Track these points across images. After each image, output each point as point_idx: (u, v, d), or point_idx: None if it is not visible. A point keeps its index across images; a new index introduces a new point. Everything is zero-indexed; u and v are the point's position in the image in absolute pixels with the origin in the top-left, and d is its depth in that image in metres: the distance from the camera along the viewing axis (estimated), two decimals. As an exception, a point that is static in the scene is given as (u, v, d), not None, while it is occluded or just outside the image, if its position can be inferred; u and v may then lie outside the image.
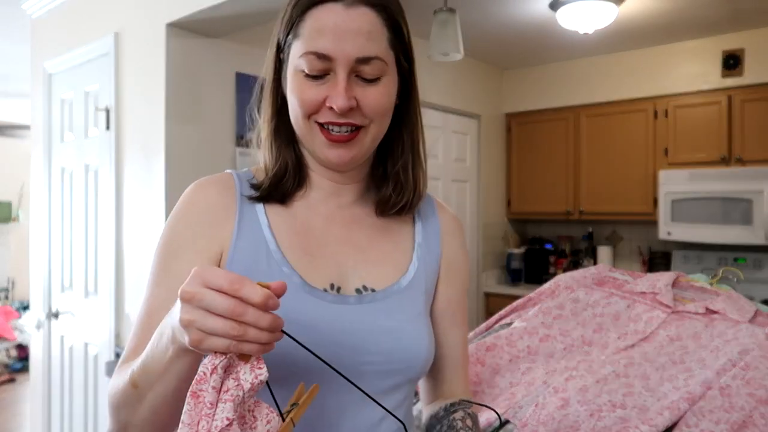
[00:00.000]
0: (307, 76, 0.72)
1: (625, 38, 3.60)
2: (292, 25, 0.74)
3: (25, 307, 5.68)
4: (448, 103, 3.84)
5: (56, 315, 2.92)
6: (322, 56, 0.71)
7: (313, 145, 0.76)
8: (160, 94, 2.33)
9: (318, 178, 0.82)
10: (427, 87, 3.58)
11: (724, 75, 3.49)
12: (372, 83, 0.73)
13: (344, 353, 0.72)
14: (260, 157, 0.82)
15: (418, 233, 0.87)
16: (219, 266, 0.76)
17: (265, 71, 0.81)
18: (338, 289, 0.77)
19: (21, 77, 4.54)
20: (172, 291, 0.72)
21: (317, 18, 0.72)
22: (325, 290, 0.76)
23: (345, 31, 0.71)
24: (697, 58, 3.59)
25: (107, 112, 2.60)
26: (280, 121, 0.80)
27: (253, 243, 0.76)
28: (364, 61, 0.71)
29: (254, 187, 0.80)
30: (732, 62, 3.45)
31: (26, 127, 5.66)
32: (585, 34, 3.20)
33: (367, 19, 0.72)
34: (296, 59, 0.73)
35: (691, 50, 3.61)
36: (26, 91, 4.50)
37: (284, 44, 0.76)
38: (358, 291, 0.78)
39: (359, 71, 0.72)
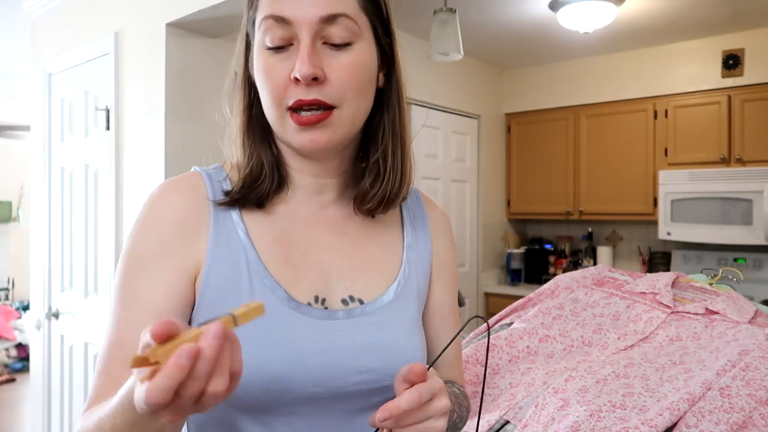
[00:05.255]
0: (270, 48, 0.66)
1: (625, 38, 3.60)
2: (252, 2, 0.69)
3: (25, 307, 5.68)
4: (448, 103, 3.84)
5: (56, 315, 2.92)
6: (280, 19, 0.64)
7: (286, 133, 0.69)
8: (160, 94, 2.33)
9: (298, 176, 0.75)
10: (427, 87, 3.62)
11: (724, 75, 3.49)
12: (342, 49, 0.66)
13: (333, 373, 0.67)
14: (229, 154, 0.76)
15: (408, 233, 0.81)
16: (195, 283, 0.69)
17: (234, 64, 0.74)
18: (323, 301, 0.71)
19: (21, 77, 4.54)
20: (142, 314, 0.65)
21: None
22: (310, 304, 0.70)
23: None
24: (697, 58, 3.59)
25: (107, 111, 2.60)
26: (252, 115, 0.73)
27: (231, 253, 0.69)
28: (329, 20, 0.64)
29: (226, 191, 0.72)
30: (732, 62, 3.45)
31: (26, 127, 5.66)
32: (585, 34, 3.20)
33: None
34: (258, 33, 0.67)
35: (691, 50, 3.61)
36: (26, 91, 4.51)
37: (250, 25, 0.70)
38: (344, 302, 0.72)
39: (326, 36, 0.65)
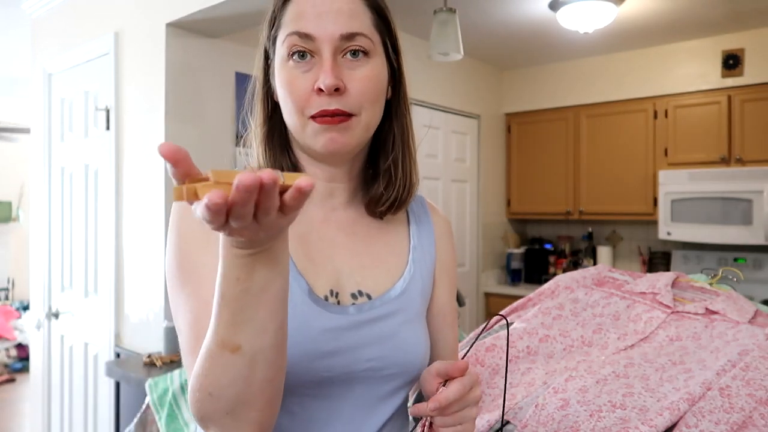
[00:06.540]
0: (293, 60, 0.72)
1: (625, 38, 3.60)
2: (275, 19, 0.75)
3: (25, 307, 5.67)
4: (447, 103, 3.84)
5: (56, 315, 2.92)
6: (304, 35, 0.71)
7: (307, 138, 0.74)
8: (160, 94, 2.33)
9: None
10: (427, 87, 3.62)
11: (724, 75, 3.49)
12: (359, 63, 0.72)
13: (343, 361, 0.73)
14: (253, 160, 0.81)
15: (414, 235, 0.86)
16: None
17: (254, 75, 0.81)
18: (336, 295, 0.76)
19: (21, 77, 4.54)
20: (210, 288, 0.65)
21: (297, 4, 0.72)
22: (326, 298, 0.75)
23: (325, 11, 0.71)
24: (697, 58, 3.59)
25: (107, 112, 2.60)
26: (271, 126, 0.79)
27: None
28: (349, 37, 0.71)
29: None
30: (732, 62, 3.45)
31: (26, 127, 5.66)
32: (585, 34, 3.20)
33: (347, 0, 0.72)
34: (281, 49, 0.73)
35: (691, 50, 3.61)
36: (26, 91, 4.51)
37: (270, 42, 0.76)
38: (353, 296, 0.77)
39: (344, 51, 0.71)
